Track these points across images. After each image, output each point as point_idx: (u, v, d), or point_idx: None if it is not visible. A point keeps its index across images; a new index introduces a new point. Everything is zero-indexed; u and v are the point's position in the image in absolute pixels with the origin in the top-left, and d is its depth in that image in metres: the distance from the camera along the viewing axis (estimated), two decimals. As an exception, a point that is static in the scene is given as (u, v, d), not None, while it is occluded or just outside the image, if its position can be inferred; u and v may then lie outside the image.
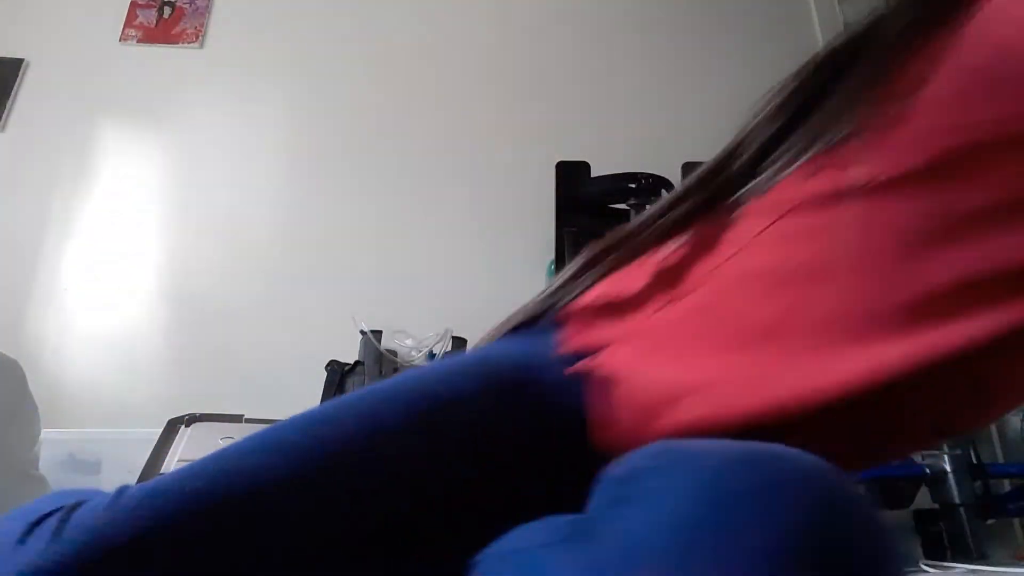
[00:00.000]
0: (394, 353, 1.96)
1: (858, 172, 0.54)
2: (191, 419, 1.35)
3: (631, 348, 0.60)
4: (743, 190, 0.62)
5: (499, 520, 0.48)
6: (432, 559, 0.55)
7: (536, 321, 0.71)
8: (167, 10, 2.83)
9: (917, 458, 1.63)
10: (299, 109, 2.69)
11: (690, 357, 0.57)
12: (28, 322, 2.33)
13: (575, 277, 0.72)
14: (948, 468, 1.51)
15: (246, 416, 1.41)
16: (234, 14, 2.86)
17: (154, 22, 2.81)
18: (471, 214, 2.53)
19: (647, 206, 1.89)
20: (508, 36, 2.84)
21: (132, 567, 0.50)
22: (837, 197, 0.55)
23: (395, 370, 1.94)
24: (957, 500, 1.49)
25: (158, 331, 2.35)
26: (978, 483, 1.56)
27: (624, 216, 1.97)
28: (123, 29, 2.79)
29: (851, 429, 0.53)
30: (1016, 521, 1.84)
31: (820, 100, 0.62)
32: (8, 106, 2.62)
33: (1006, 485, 1.68)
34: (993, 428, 1.92)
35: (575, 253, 1.93)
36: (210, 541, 0.52)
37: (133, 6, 2.84)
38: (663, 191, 1.99)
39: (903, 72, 0.55)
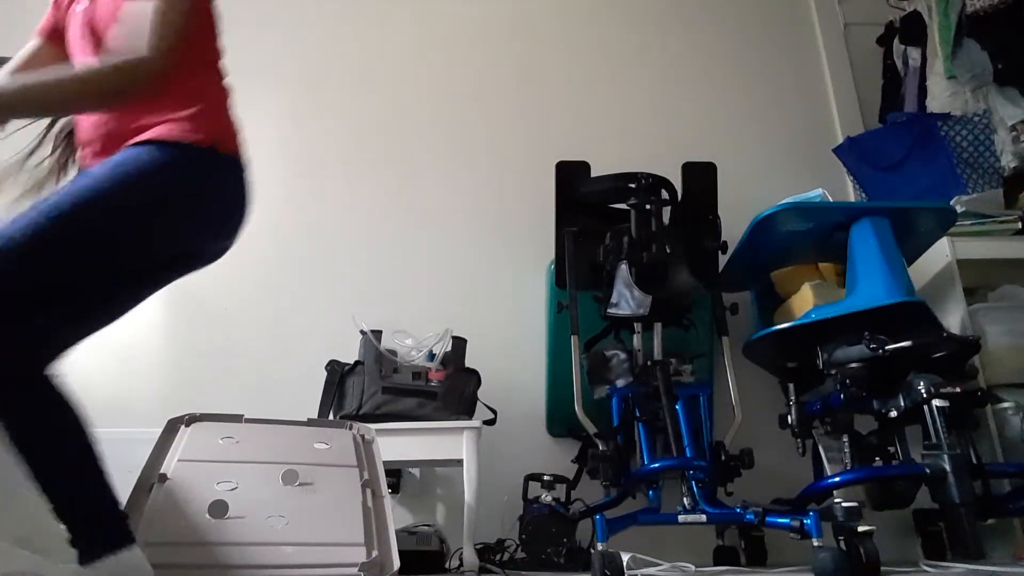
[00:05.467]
0: (394, 353, 1.95)
1: None
2: (191, 419, 1.35)
3: None
4: None
5: None
6: None
7: None
8: (167, 10, 2.83)
9: (917, 458, 1.63)
10: (299, 110, 2.69)
11: None
12: (28, 322, 2.33)
13: None
14: (948, 468, 1.50)
15: (246, 416, 1.41)
16: (233, 16, 2.84)
17: (154, 22, 2.81)
18: (471, 214, 2.53)
19: (647, 206, 1.90)
20: (508, 38, 2.84)
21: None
22: None
23: (395, 370, 1.93)
24: (957, 500, 1.48)
25: (158, 331, 2.35)
26: (978, 483, 1.55)
27: (624, 216, 1.97)
28: (123, 29, 2.79)
29: None
30: (1016, 521, 1.84)
31: None
32: (8, 106, 2.62)
33: (1006, 485, 1.68)
34: (993, 428, 1.92)
35: (575, 253, 1.94)
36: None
37: (133, 6, 2.84)
38: (663, 191, 1.98)
39: None
